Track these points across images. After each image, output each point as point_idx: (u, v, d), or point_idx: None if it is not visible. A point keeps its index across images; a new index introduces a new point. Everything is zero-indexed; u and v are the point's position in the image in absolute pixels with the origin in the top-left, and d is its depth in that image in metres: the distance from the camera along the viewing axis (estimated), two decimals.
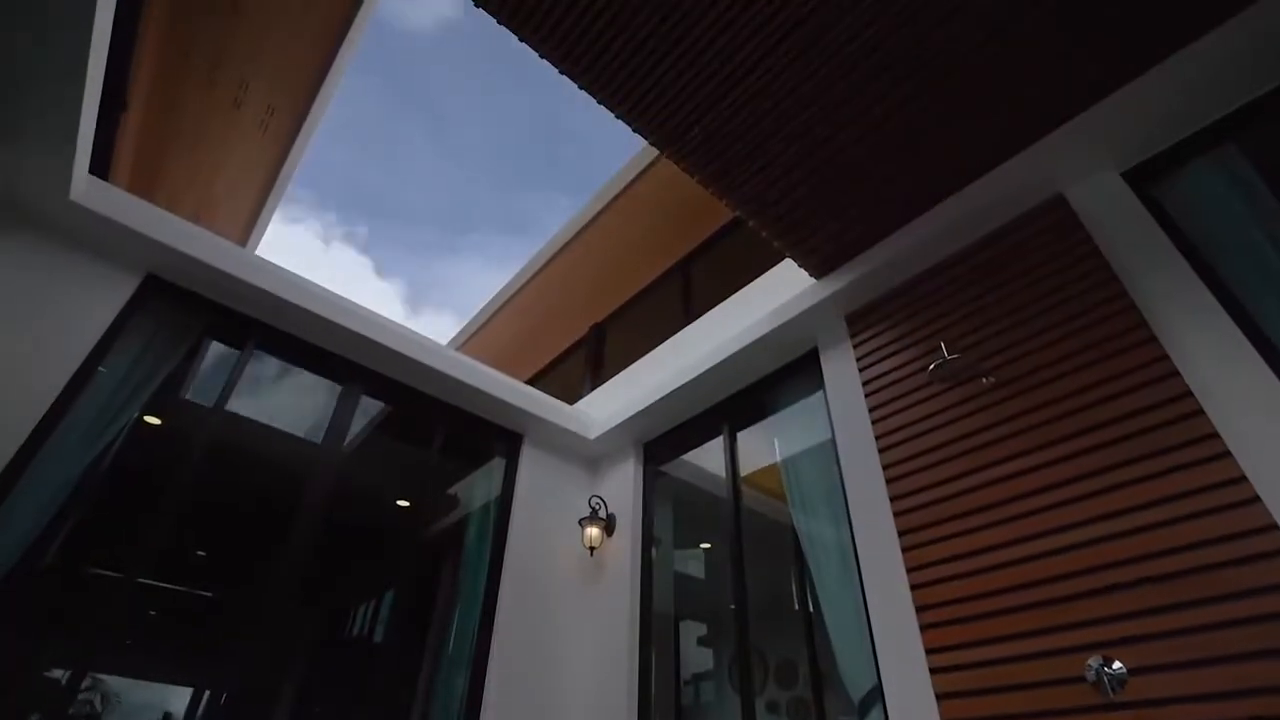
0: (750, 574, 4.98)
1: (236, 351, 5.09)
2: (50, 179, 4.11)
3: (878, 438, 4.13)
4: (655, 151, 6.73)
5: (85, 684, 5.13)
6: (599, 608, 5.88)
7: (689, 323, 6.71)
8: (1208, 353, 3.00)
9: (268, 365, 5.56)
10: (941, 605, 3.38)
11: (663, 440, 6.45)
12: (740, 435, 5.66)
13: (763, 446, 5.48)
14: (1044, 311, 3.62)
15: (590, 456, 6.96)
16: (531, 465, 6.54)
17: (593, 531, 6.09)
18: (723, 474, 5.51)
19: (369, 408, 6.00)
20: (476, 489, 6.74)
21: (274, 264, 5.22)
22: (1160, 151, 3.60)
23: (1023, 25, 3.29)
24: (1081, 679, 2.79)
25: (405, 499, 7.49)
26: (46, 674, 7.37)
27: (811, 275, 4.87)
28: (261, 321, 5.20)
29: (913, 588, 3.54)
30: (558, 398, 6.94)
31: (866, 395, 4.35)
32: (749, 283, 5.99)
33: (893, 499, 3.86)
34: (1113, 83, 3.55)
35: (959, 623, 3.28)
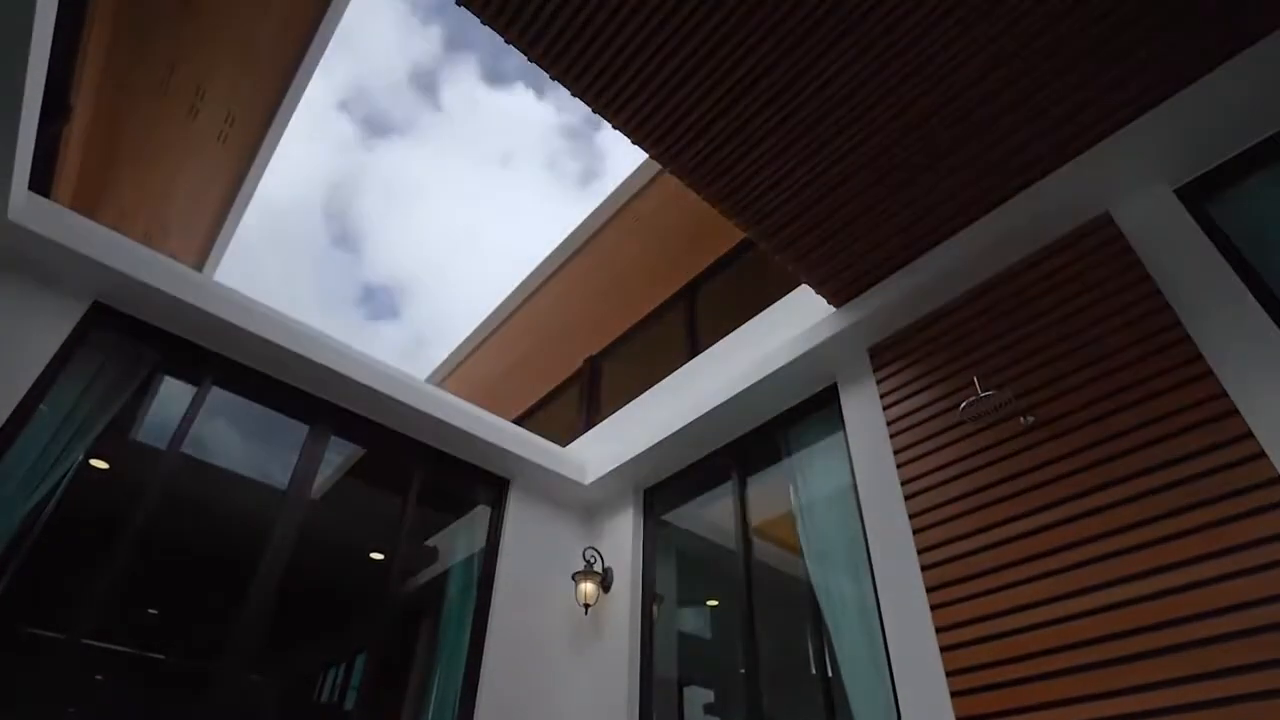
0: (762, 634, 4.93)
1: (192, 387, 5.09)
2: None
3: (903, 483, 4.11)
4: (657, 165, 6.78)
5: None
6: (594, 671, 5.82)
7: (694, 356, 6.72)
8: (1270, 389, 2.97)
9: (227, 402, 5.55)
10: (974, 669, 3.34)
11: (665, 486, 6.42)
12: (751, 480, 5.64)
13: (776, 493, 5.42)
14: (1088, 344, 3.61)
15: (585, 504, 6.93)
16: (519, 514, 6.50)
17: (587, 587, 6.03)
18: (731, 523, 5.48)
19: (339, 450, 5.99)
20: (459, 540, 6.72)
21: (234, 290, 5.24)
22: (1218, 165, 3.59)
23: (1061, 27, 3.30)
24: None
25: (379, 551, 7.47)
26: None
27: (830, 303, 4.88)
28: (219, 354, 5.20)
29: (942, 649, 3.50)
30: (549, 439, 6.93)
31: (891, 436, 4.33)
32: (760, 311, 6.00)
33: (920, 551, 3.83)
34: (1167, 89, 3.54)
35: (994, 688, 3.23)
